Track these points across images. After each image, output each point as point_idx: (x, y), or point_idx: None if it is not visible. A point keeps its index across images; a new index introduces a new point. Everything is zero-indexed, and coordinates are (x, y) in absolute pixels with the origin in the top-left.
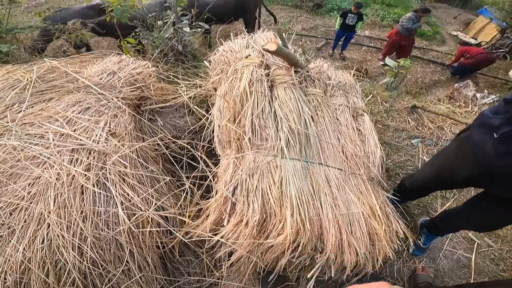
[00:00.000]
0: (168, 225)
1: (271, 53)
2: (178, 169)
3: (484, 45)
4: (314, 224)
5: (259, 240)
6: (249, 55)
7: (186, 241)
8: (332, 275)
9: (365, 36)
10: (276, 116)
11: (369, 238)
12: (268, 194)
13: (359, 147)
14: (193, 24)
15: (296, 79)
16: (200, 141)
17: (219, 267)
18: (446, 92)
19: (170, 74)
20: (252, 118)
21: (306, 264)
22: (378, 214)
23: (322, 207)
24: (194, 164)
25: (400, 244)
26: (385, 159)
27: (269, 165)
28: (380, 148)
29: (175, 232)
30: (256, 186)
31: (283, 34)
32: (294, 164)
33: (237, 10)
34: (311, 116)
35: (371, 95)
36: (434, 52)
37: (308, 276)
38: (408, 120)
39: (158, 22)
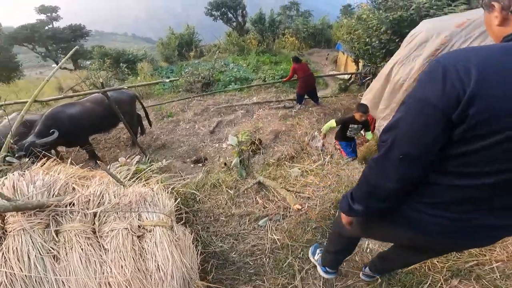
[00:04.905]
0: None
1: None
2: None
3: (354, 78)
4: None
5: None
6: None
7: None
8: None
9: (254, 103)
10: None
11: None
12: None
13: (134, 268)
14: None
15: (37, 222)
16: None
17: None
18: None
19: None
20: None
21: None
22: None
23: None
24: None
25: None
26: (187, 265)
27: None
28: (173, 260)
29: None
30: None
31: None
32: None
33: (112, 117)
34: (54, 257)
35: (216, 184)
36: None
37: None
38: (257, 200)
39: None
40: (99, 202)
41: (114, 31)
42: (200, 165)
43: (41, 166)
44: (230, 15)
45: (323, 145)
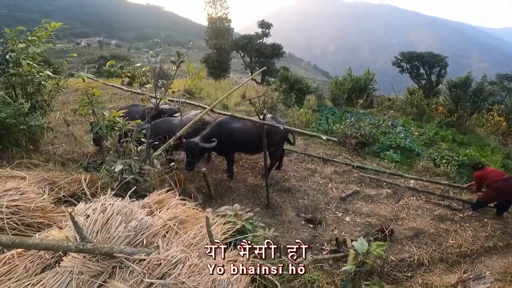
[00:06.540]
0: None
1: None
2: None
3: None
4: None
5: None
6: None
7: None
8: None
9: (408, 187)
10: None
11: None
12: None
13: None
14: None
15: (93, 268)
16: None
17: None
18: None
19: None
20: None
21: None
22: None
23: None
24: None
25: None
26: None
27: None
28: None
29: None
30: None
31: None
32: None
33: (261, 142)
34: None
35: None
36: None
37: None
38: None
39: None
40: (166, 272)
41: (302, 57)
42: (311, 226)
43: (160, 194)
44: (422, 70)
45: None
